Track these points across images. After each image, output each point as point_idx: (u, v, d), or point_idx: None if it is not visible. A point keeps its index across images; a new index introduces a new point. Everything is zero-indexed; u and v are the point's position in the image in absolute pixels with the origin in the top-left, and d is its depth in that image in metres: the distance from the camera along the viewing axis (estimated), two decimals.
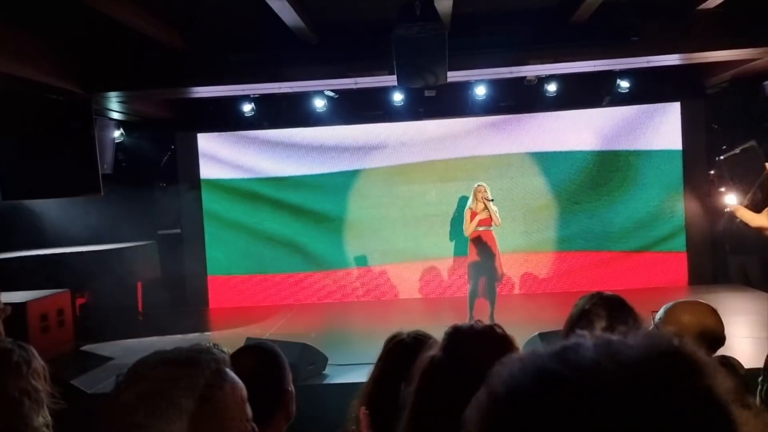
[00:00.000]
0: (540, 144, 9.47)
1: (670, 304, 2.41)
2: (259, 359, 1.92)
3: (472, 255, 7.44)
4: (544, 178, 9.50)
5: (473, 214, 7.37)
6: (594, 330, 2.08)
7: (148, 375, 1.15)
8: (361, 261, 9.68)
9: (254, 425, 1.23)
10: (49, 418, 1.24)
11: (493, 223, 7.36)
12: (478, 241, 7.37)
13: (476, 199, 7.39)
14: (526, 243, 9.54)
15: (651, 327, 2.35)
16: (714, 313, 2.38)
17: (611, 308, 2.14)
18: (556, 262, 9.54)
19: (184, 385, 1.13)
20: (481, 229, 7.35)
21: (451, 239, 9.44)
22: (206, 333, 8.26)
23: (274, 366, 1.91)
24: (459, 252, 9.12)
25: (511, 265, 9.59)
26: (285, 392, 1.89)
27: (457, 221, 8.99)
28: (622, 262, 9.41)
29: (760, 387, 2.60)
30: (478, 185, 7.47)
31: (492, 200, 7.34)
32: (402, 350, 1.84)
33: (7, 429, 1.31)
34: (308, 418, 1.94)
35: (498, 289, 7.51)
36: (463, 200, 9.31)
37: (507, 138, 9.53)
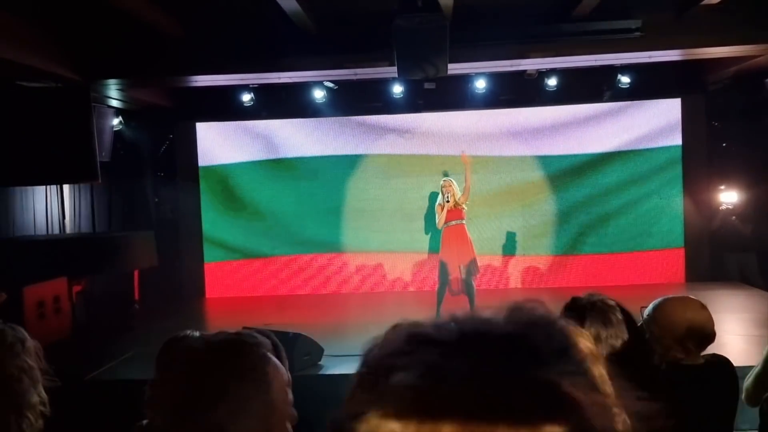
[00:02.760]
0: (539, 139, 9.46)
1: (658, 300, 2.39)
2: None
3: (443, 250, 7.42)
4: (543, 172, 9.48)
5: (440, 210, 7.37)
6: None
7: (198, 360, 1.18)
8: (358, 252, 9.67)
9: (294, 411, 1.27)
10: (44, 395, 1.25)
11: (464, 216, 7.34)
12: (448, 236, 7.35)
13: (442, 194, 7.39)
14: (524, 237, 9.54)
15: (639, 323, 2.31)
16: (703, 308, 2.34)
17: (608, 310, 2.10)
18: (553, 258, 9.54)
19: (232, 369, 1.17)
20: (452, 223, 7.32)
21: None
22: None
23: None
24: None
25: (507, 261, 9.61)
26: None
27: None
28: (620, 259, 9.41)
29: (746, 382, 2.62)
30: (444, 180, 7.47)
31: (458, 203, 7.30)
32: None
33: (5, 406, 1.32)
34: (303, 408, 1.94)
35: (476, 284, 7.41)
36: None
37: (506, 132, 9.51)
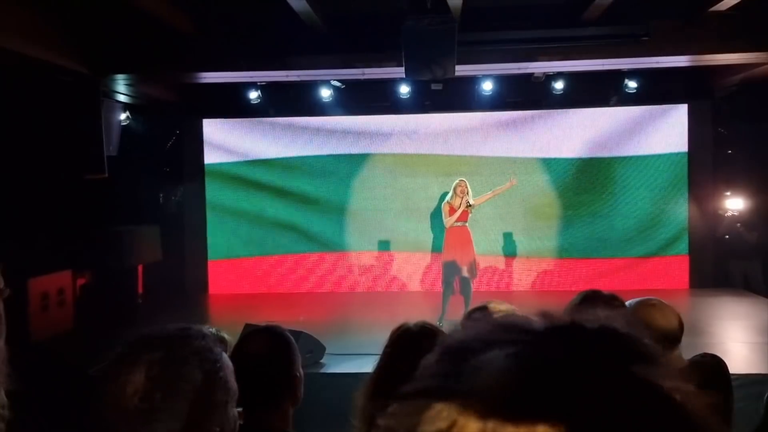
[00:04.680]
0: (545, 142, 9.45)
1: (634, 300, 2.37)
2: (270, 342, 1.95)
3: (447, 251, 7.41)
4: (548, 176, 9.48)
5: (451, 209, 7.35)
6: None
7: (150, 358, 1.16)
8: (363, 251, 9.68)
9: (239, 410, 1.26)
10: (5, 399, 1.24)
11: (469, 218, 7.36)
12: (453, 237, 7.35)
13: (455, 194, 7.36)
14: (528, 240, 9.54)
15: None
16: (653, 307, 2.29)
17: (601, 304, 2.10)
18: (556, 261, 9.54)
19: (190, 366, 1.15)
20: (458, 224, 7.33)
21: None
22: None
23: (284, 349, 1.94)
24: None
25: (510, 263, 9.61)
26: (294, 376, 1.91)
27: None
28: (623, 264, 9.40)
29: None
30: (460, 180, 7.44)
31: (470, 205, 7.31)
32: (409, 340, 1.86)
33: None
34: (305, 405, 1.96)
35: (474, 287, 7.42)
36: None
37: (512, 135, 9.51)
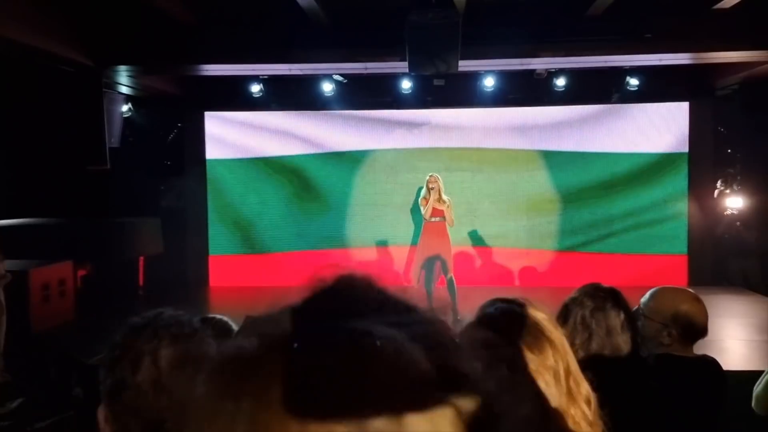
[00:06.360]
0: (546, 139, 9.45)
1: (655, 288, 2.41)
2: None
3: (421, 246, 7.37)
4: (548, 173, 9.48)
5: (427, 204, 7.31)
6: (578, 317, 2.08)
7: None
8: (363, 246, 9.69)
9: None
10: None
11: (447, 213, 7.29)
12: (428, 232, 7.30)
13: (427, 189, 7.31)
14: (528, 237, 9.54)
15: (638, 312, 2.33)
16: (695, 300, 2.36)
17: (600, 298, 2.12)
18: (556, 257, 9.54)
19: None
20: (434, 219, 7.27)
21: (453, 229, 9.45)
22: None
23: None
24: (459, 242, 9.10)
25: (510, 258, 9.62)
26: None
27: (457, 211, 8.87)
28: (622, 261, 9.40)
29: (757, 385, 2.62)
30: (431, 175, 7.38)
31: (442, 200, 7.20)
32: None
33: None
34: None
35: (456, 283, 7.36)
36: (467, 191, 9.32)
37: (513, 131, 9.51)
